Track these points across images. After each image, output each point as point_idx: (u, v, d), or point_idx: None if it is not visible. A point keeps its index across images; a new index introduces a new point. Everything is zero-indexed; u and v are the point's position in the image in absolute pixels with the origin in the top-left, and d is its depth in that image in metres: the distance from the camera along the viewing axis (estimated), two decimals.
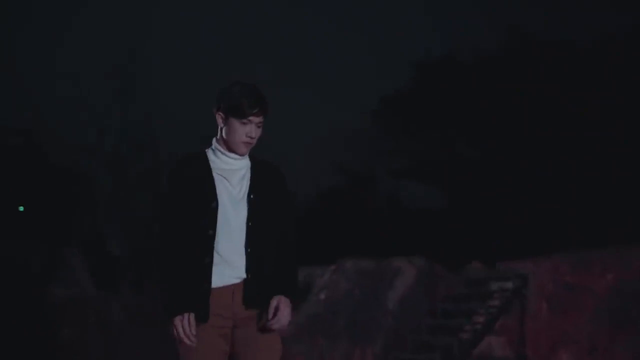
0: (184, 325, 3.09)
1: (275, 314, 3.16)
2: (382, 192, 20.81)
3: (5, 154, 16.13)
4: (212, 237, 3.19)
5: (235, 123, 3.21)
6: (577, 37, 17.12)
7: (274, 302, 3.17)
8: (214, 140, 3.32)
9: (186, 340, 3.10)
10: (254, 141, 3.25)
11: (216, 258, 3.20)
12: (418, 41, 24.63)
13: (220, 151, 3.30)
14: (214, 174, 3.26)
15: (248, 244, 3.22)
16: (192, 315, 3.12)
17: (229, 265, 3.20)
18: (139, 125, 16.68)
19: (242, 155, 3.27)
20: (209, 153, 3.32)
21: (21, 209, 15.25)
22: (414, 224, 18.31)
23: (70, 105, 17.33)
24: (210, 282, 3.18)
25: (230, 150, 3.28)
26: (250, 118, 3.19)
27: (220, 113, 3.23)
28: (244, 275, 3.21)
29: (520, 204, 16.18)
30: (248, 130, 3.21)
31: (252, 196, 3.25)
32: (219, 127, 3.27)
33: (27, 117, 18.20)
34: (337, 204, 19.78)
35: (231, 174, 3.28)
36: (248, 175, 3.29)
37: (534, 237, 14.32)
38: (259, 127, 3.24)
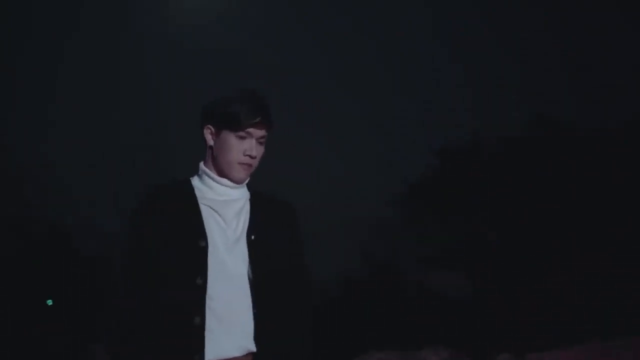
0: None
1: None
2: (407, 281, 20.74)
3: (33, 246, 16.36)
4: (203, 289, 2.30)
5: (230, 138, 2.39)
6: (605, 123, 17.29)
7: None
8: (201, 164, 2.47)
9: None
10: (255, 163, 2.43)
11: (210, 319, 2.30)
12: (441, 126, 24.91)
13: (209, 176, 2.44)
14: (201, 206, 2.40)
15: (255, 302, 2.35)
16: None
17: (229, 331, 2.32)
18: None
19: (238, 181, 2.43)
20: (195, 180, 2.47)
21: (49, 302, 15.37)
22: (440, 313, 18.18)
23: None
24: (202, 355, 2.27)
25: (223, 175, 2.43)
26: (250, 130, 2.37)
27: (210, 127, 2.40)
28: (252, 347, 2.34)
29: (550, 294, 16.07)
30: (247, 146, 2.39)
31: (252, 237, 2.41)
32: (207, 146, 2.43)
33: (57, 206, 18.49)
34: (360, 293, 19.70)
35: (224, 207, 2.43)
36: (247, 209, 2.45)
37: (562, 327, 14.19)
38: (261, 143, 2.42)
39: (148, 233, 2.34)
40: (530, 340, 10.09)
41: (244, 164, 2.39)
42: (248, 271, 2.36)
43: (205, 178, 2.44)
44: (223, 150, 2.40)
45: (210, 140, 2.42)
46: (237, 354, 2.31)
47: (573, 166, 16.66)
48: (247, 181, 2.46)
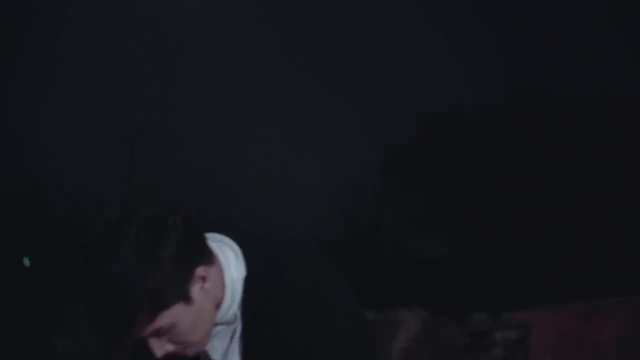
0: None
1: None
2: (385, 242, 20.86)
3: (11, 208, 16.25)
4: None
5: None
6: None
7: None
8: None
9: None
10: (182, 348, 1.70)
11: None
12: (423, 94, 24.89)
13: None
14: None
15: None
16: None
17: None
18: (148, 172, 16.68)
19: None
20: None
21: (27, 262, 15.31)
22: (418, 275, 18.32)
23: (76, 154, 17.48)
24: None
25: None
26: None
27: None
28: None
29: (525, 253, 16.23)
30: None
31: None
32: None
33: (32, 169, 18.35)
34: (340, 254, 19.81)
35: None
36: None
37: (537, 287, 14.35)
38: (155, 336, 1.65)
39: None
40: (507, 300, 10.19)
41: None
42: None
43: None
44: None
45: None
46: None
47: (552, 134, 16.77)
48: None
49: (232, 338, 1.77)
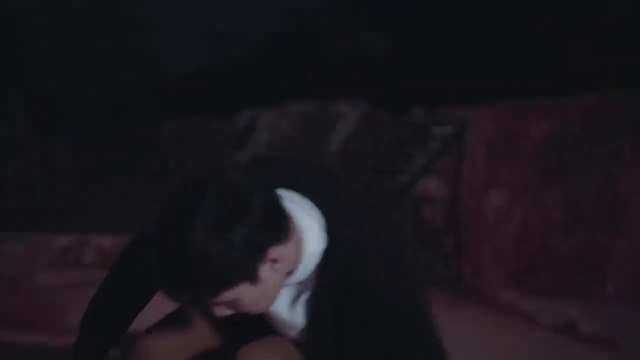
0: None
1: None
2: (327, 37, 20.66)
3: None
4: None
5: None
6: None
7: None
8: None
9: None
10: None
11: None
12: None
13: None
14: None
15: None
16: None
17: None
18: None
19: None
20: None
21: None
22: (358, 69, 18.32)
23: None
24: None
25: None
26: None
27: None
28: None
29: (465, 50, 16.24)
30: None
31: None
32: None
33: None
34: (285, 47, 19.61)
35: None
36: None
37: (476, 83, 14.49)
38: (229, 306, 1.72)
39: None
40: (445, 96, 10.29)
41: None
42: None
43: None
44: None
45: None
46: None
47: None
48: None
49: (298, 298, 1.78)
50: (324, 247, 1.72)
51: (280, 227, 1.67)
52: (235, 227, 1.57)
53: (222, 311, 1.70)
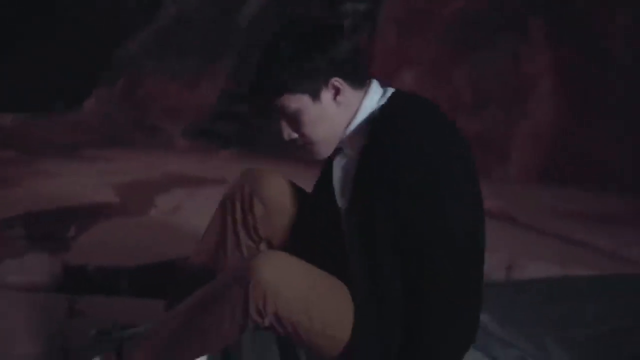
0: None
1: None
2: None
3: None
4: None
5: None
6: None
7: None
8: None
9: None
10: (300, 139, 1.97)
11: None
12: None
13: None
14: None
15: None
16: None
17: None
18: None
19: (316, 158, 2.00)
20: None
21: None
22: None
23: None
24: None
25: None
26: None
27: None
28: None
29: None
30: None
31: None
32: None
33: None
34: None
35: None
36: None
37: None
38: (291, 118, 1.93)
39: None
40: None
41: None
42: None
43: None
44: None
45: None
46: None
47: None
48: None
49: (347, 169, 1.93)
50: (380, 105, 1.95)
51: (355, 69, 1.95)
52: (319, 44, 1.86)
53: (287, 130, 1.91)
